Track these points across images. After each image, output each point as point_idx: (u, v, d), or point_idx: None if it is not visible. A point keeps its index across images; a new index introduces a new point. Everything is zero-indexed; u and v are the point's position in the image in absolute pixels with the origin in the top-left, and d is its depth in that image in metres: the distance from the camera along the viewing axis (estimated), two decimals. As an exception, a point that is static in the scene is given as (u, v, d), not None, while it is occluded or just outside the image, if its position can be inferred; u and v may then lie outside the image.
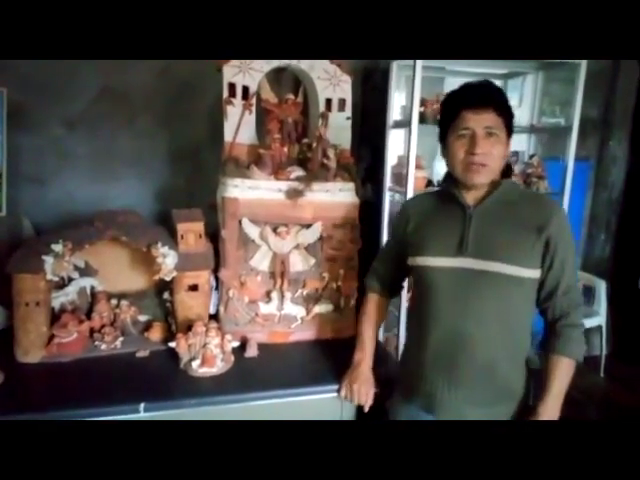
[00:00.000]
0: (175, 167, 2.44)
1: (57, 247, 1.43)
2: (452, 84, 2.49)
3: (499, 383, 1.18)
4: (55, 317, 1.53)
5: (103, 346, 1.53)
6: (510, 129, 1.17)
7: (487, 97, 1.14)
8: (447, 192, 1.24)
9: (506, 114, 1.15)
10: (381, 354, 1.64)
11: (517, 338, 1.19)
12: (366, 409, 1.32)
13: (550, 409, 1.13)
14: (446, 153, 1.21)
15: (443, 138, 1.22)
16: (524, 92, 2.48)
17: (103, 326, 1.60)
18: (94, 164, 2.34)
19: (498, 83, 2.56)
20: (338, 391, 1.36)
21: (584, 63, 2.08)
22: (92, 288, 1.68)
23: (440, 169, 2.52)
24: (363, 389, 1.31)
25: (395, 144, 2.29)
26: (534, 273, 1.15)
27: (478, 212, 1.18)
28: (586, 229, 3.20)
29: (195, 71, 2.28)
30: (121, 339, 1.58)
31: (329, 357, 1.59)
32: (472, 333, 1.14)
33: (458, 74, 2.47)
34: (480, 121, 1.12)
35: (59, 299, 1.56)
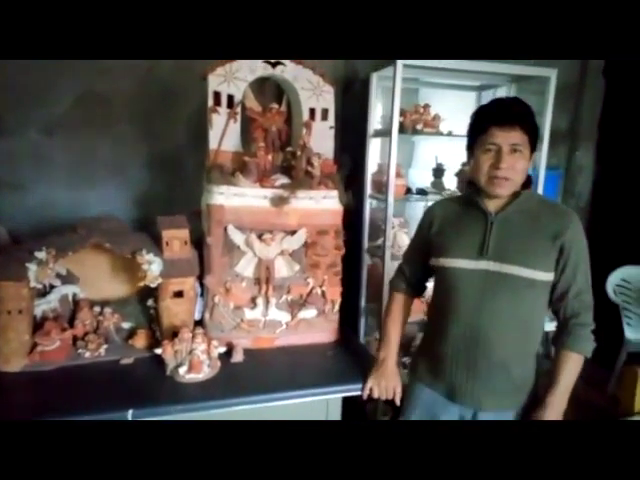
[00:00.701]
0: (155, 173, 2.43)
1: (41, 254, 1.41)
2: (427, 95, 2.59)
3: (513, 377, 1.28)
4: (37, 325, 1.51)
5: (87, 354, 1.52)
6: (534, 145, 1.25)
7: (515, 116, 1.21)
8: (470, 199, 1.33)
9: (532, 132, 1.23)
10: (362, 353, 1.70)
11: (530, 336, 1.30)
12: (397, 402, 1.41)
13: (558, 400, 1.23)
14: (472, 163, 1.31)
15: (470, 148, 1.31)
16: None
17: (86, 334, 1.58)
18: (73, 170, 2.30)
19: (472, 95, 2.68)
20: (362, 389, 1.42)
21: (554, 76, 2.17)
22: (74, 295, 1.67)
23: (415, 177, 2.59)
24: (391, 384, 1.39)
25: (374, 153, 2.34)
26: (547, 276, 1.24)
27: (499, 219, 1.27)
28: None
29: (176, 77, 2.29)
30: (105, 346, 1.56)
31: (314, 362, 1.62)
32: (488, 330, 1.25)
33: (433, 85, 2.54)
34: (507, 138, 1.20)
35: (41, 307, 1.54)
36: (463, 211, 1.36)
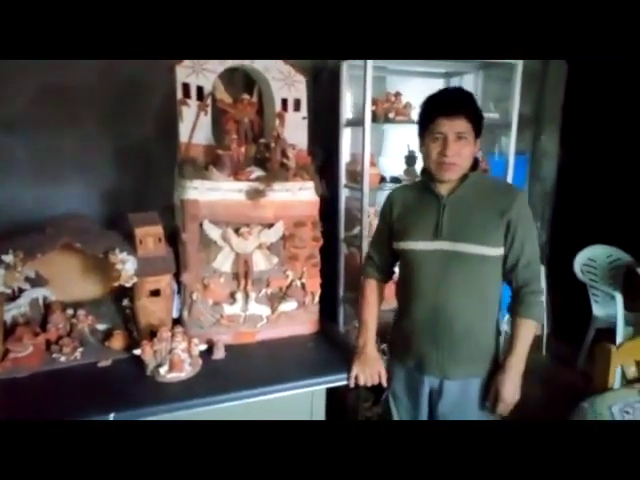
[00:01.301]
0: (123, 168, 2.36)
1: (8, 258, 1.35)
2: (394, 82, 2.59)
3: (475, 344, 1.38)
4: (7, 331, 1.45)
5: (62, 358, 1.47)
6: (478, 131, 1.34)
7: (459, 105, 1.31)
8: (424, 184, 1.43)
9: (476, 119, 1.32)
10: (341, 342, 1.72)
11: (487, 306, 1.40)
12: (384, 384, 1.46)
13: (516, 364, 1.35)
14: (423, 150, 1.40)
15: (421, 136, 1.39)
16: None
17: (60, 337, 1.53)
18: (35, 167, 2.22)
19: (439, 82, 2.71)
20: (348, 378, 1.44)
21: (520, 63, 2.21)
22: (45, 299, 1.61)
23: (386, 166, 2.60)
24: (375, 370, 1.44)
25: (346, 142, 2.33)
26: (498, 251, 1.34)
27: (450, 201, 1.37)
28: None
29: (141, 67, 2.21)
30: (80, 350, 1.51)
31: (296, 354, 1.61)
32: (448, 305, 1.34)
33: (400, 73, 2.55)
34: (452, 127, 1.29)
35: (11, 312, 1.48)
36: (419, 196, 1.44)
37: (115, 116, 2.28)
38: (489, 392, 1.38)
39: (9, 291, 1.42)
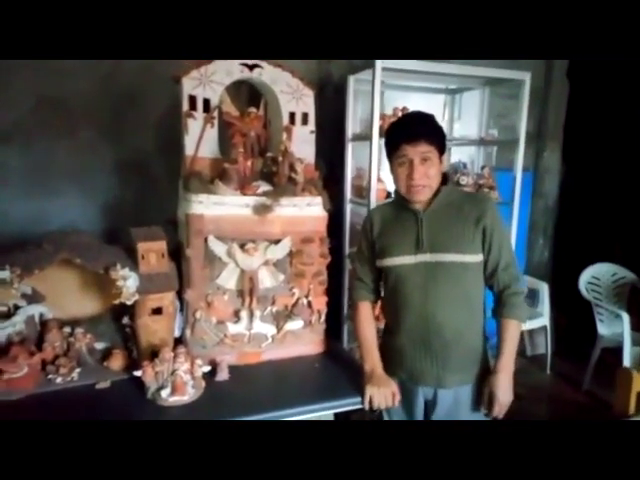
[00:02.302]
0: (121, 181, 2.31)
1: (4, 274, 1.30)
2: (394, 97, 2.55)
3: (465, 350, 1.42)
4: (2, 350, 1.38)
5: (58, 379, 1.41)
6: (442, 149, 1.39)
7: (420, 131, 1.36)
8: (401, 202, 1.47)
9: (437, 140, 1.37)
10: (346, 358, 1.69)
11: (473, 311, 1.44)
12: (396, 404, 1.42)
13: (506, 365, 1.38)
14: (392, 175, 1.44)
15: (389, 161, 1.43)
16: (470, 106, 2.59)
17: (56, 357, 1.47)
18: (31, 178, 2.16)
19: (446, 98, 2.69)
20: (362, 402, 1.41)
21: (528, 79, 2.20)
22: (41, 316, 1.54)
23: (385, 180, 2.56)
24: (389, 391, 1.41)
25: (349, 157, 2.30)
26: (477, 258, 1.40)
27: (427, 215, 1.42)
28: (527, 235, 3.38)
29: (140, 79, 2.19)
30: (78, 370, 1.45)
31: (303, 376, 1.56)
32: (437, 314, 1.38)
33: (404, 88, 2.52)
34: (416, 151, 1.34)
35: (6, 330, 1.41)
36: (397, 213, 1.48)
37: (114, 128, 2.24)
38: (482, 396, 1.40)
39: (4, 308, 1.35)
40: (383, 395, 1.40)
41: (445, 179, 1.47)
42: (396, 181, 1.43)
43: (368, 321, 1.53)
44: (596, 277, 3.01)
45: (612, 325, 2.88)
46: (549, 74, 3.14)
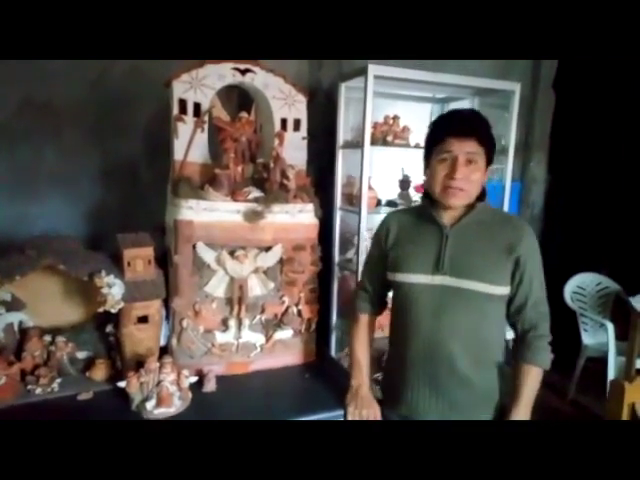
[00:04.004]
0: (107, 186, 2.25)
1: (-17, 280, 1.24)
2: (382, 106, 2.53)
3: (475, 391, 1.26)
4: (-22, 360, 1.33)
5: (38, 390, 1.35)
6: (489, 158, 1.24)
7: (472, 126, 1.20)
8: (425, 211, 1.30)
9: (487, 144, 1.22)
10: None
11: (490, 349, 1.28)
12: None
13: (522, 413, 1.22)
14: (427, 174, 1.28)
15: (427, 158, 1.28)
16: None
17: (36, 367, 1.41)
18: (14, 182, 2.09)
19: (433, 107, 2.70)
20: (344, 418, 1.36)
21: (518, 89, 2.21)
22: (20, 324, 1.49)
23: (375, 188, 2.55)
24: (371, 412, 1.33)
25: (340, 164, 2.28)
26: (503, 290, 1.23)
27: (454, 232, 1.25)
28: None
29: (128, 83, 2.14)
30: (58, 380, 1.40)
31: (293, 387, 1.53)
32: (448, 345, 1.22)
33: (393, 97, 2.52)
34: (462, 147, 1.18)
35: (-17, 339, 1.36)
36: (418, 223, 1.32)
37: (100, 131, 2.18)
38: None
39: (-18, 316, 1.30)
40: (365, 416, 1.32)
41: (483, 195, 1.28)
42: (431, 180, 1.24)
43: (363, 335, 1.42)
44: (581, 287, 3.03)
45: (596, 335, 2.91)
46: (535, 85, 3.18)
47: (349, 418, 1.34)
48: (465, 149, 1.18)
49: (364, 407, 1.33)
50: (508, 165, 2.29)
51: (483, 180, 1.24)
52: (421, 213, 1.33)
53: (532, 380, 1.24)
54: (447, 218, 1.26)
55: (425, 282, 1.24)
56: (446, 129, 1.22)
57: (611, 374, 2.59)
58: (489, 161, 1.24)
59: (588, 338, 2.91)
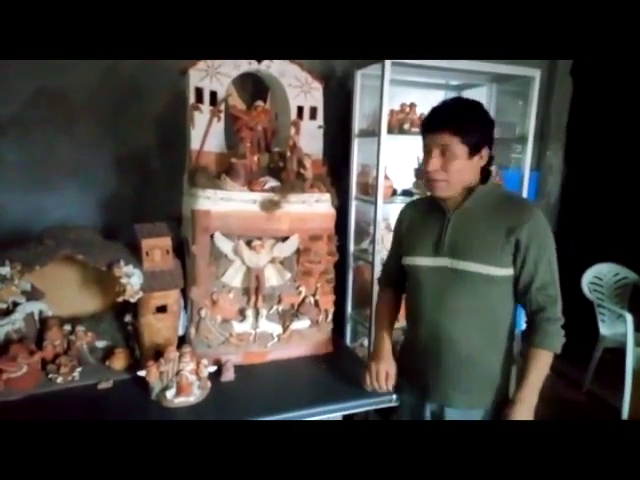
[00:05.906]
0: (121, 176, 2.25)
1: (4, 270, 1.25)
2: (395, 93, 2.50)
3: (479, 373, 1.29)
4: (0, 349, 1.34)
5: (59, 379, 1.36)
6: (475, 144, 1.22)
7: (442, 120, 1.23)
8: (434, 199, 1.34)
9: (465, 131, 1.20)
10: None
11: (496, 331, 1.29)
12: (390, 387, 1.38)
13: (528, 397, 1.22)
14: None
15: None
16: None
17: (57, 356, 1.42)
18: (28, 172, 2.10)
19: (447, 94, 2.65)
20: (364, 381, 1.39)
21: (537, 76, 2.17)
22: (40, 313, 1.49)
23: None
24: (383, 367, 1.37)
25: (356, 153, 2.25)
26: (505, 272, 1.24)
27: (455, 216, 1.29)
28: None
29: (143, 71, 2.13)
30: (79, 370, 1.41)
31: (309, 377, 1.53)
32: (451, 327, 1.27)
33: (409, 84, 2.48)
34: (435, 140, 1.22)
35: (4, 328, 1.37)
36: (428, 210, 1.38)
37: (114, 121, 2.18)
38: None
39: (3, 306, 1.31)
40: (375, 371, 1.36)
41: (486, 177, 1.29)
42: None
43: (385, 305, 1.51)
44: (598, 277, 2.99)
45: (614, 325, 2.87)
46: (552, 71, 3.11)
47: (368, 374, 1.38)
48: (437, 141, 1.21)
49: (376, 362, 1.38)
50: (527, 154, 2.25)
51: (473, 165, 1.24)
52: (431, 200, 1.37)
53: (539, 363, 1.23)
54: (450, 203, 1.30)
55: (427, 264, 1.31)
56: (424, 125, 1.28)
57: (629, 365, 2.56)
58: (476, 146, 1.22)
59: (605, 329, 2.88)
